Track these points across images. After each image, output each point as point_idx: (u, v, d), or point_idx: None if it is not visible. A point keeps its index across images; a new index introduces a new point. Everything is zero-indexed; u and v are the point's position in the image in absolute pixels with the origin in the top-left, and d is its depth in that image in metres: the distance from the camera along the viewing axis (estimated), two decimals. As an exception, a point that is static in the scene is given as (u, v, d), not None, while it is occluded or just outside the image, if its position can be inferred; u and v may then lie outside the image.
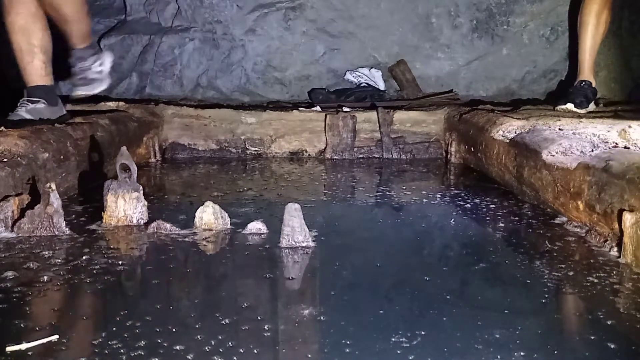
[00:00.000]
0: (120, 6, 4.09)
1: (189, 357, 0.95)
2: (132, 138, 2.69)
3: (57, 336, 1.01)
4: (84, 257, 1.42)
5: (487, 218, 1.88)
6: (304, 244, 1.51)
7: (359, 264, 1.46)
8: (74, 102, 2.78)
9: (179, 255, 1.48)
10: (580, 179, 1.68)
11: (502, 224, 1.80)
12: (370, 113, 3.12)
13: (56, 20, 2.34)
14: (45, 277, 1.28)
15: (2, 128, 1.98)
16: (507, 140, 2.27)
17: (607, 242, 1.50)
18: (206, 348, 0.98)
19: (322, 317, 1.11)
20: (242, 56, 3.93)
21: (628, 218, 1.36)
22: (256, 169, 2.77)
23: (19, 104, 2.23)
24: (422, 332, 1.04)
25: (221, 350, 0.97)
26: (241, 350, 0.98)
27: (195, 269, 1.43)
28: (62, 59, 2.52)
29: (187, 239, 1.58)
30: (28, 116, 2.19)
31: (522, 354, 0.97)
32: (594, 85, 2.90)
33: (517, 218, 1.85)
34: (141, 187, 1.72)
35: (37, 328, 1.04)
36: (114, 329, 1.04)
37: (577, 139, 1.95)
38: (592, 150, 1.79)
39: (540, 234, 1.67)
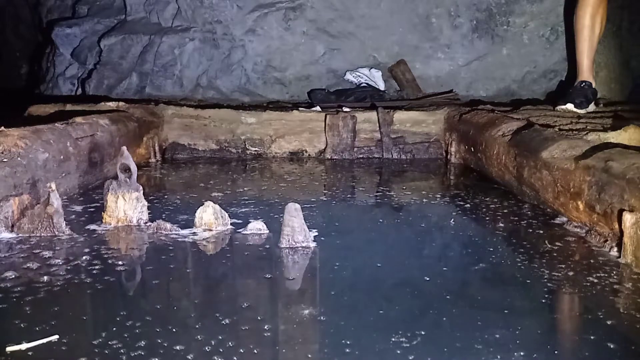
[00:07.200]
0: (120, 6, 4.10)
1: (189, 357, 0.95)
2: (132, 138, 2.69)
3: (57, 336, 1.01)
4: (84, 257, 1.42)
5: (487, 218, 1.88)
6: (304, 244, 1.50)
7: (359, 264, 1.46)
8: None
9: (179, 255, 1.48)
10: (580, 179, 1.68)
11: (502, 224, 1.80)
12: (370, 113, 3.12)
13: None
14: (45, 277, 1.28)
15: (2, 128, 1.98)
16: (507, 140, 2.26)
17: (607, 242, 1.50)
18: (206, 348, 0.98)
19: (322, 317, 1.11)
20: (242, 56, 3.93)
21: (628, 218, 1.36)
22: (256, 169, 2.77)
23: None
24: (422, 332, 1.05)
25: (221, 350, 0.98)
26: (241, 350, 0.98)
27: (195, 269, 1.43)
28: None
29: (187, 239, 1.58)
30: None
31: (522, 354, 0.97)
32: (594, 85, 2.90)
33: (517, 218, 1.85)
34: (141, 187, 1.72)
35: (37, 328, 1.04)
36: (114, 329, 1.04)
37: (576, 139, 1.95)
38: (592, 150, 1.78)
39: (540, 234, 1.67)
